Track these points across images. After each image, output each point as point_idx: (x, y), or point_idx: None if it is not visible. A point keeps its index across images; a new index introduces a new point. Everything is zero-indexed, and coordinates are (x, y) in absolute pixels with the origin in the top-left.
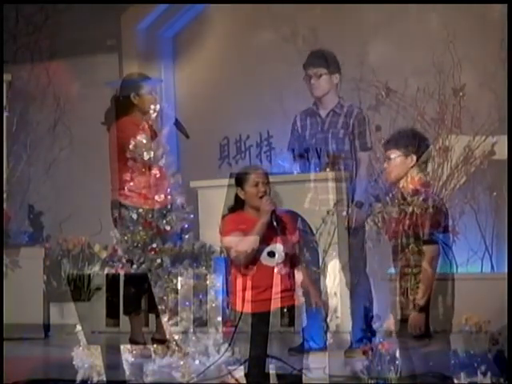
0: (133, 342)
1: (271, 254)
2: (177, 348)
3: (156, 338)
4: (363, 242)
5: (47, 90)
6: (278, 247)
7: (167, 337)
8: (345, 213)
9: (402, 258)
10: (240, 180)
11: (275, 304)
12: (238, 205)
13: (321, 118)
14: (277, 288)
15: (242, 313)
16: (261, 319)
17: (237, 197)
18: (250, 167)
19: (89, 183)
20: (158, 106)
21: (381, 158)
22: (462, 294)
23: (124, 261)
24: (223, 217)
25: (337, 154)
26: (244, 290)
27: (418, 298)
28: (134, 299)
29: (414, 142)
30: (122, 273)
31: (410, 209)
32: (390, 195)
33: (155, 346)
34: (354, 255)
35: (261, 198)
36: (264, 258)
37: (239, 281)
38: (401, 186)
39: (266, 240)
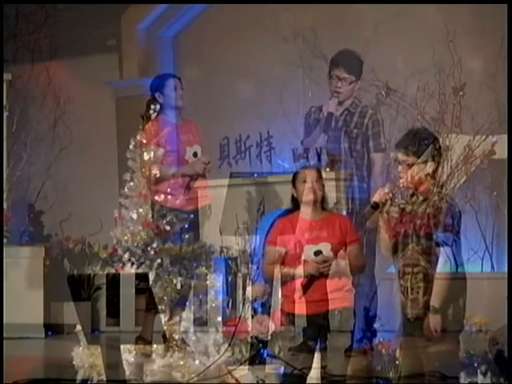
0: (142, 339)
1: (317, 253)
2: (177, 348)
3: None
4: (375, 243)
5: (47, 90)
6: (325, 246)
7: (167, 336)
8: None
9: (402, 256)
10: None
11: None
12: (293, 205)
13: (335, 115)
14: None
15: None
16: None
17: (292, 197)
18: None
19: (89, 183)
20: (157, 106)
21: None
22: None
23: (124, 260)
24: (278, 217)
25: (336, 153)
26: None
27: (432, 301)
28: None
29: (433, 149)
30: (122, 272)
31: (423, 209)
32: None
33: (155, 345)
34: (367, 255)
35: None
36: (309, 257)
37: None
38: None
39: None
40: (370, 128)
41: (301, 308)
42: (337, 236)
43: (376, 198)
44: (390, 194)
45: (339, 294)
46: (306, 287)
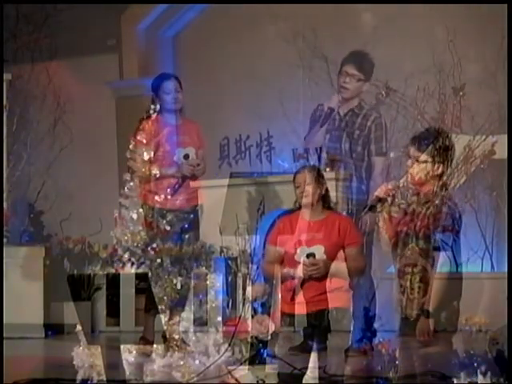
0: (144, 339)
1: (309, 256)
2: (177, 348)
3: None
4: (371, 244)
5: (47, 90)
6: (318, 249)
7: (167, 336)
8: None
9: (402, 256)
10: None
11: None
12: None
13: (339, 115)
14: (309, 293)
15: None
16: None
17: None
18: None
19: (89, 182)
20: (157, 106)
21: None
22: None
23: (124, 260)
24: (279, 216)
25: (336, 153)
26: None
27: (426, 304)
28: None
29: (447, 153)
30: (122, 272)
31: (425, 210)
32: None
33: (155, 346)
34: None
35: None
36: (301, 259)
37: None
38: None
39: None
40: (372, 131)
41: (293, 308)
42: (333, 238)
43: (379, 192)
44: (393, 191)
45: (330, 296)
46: (296, 288)
